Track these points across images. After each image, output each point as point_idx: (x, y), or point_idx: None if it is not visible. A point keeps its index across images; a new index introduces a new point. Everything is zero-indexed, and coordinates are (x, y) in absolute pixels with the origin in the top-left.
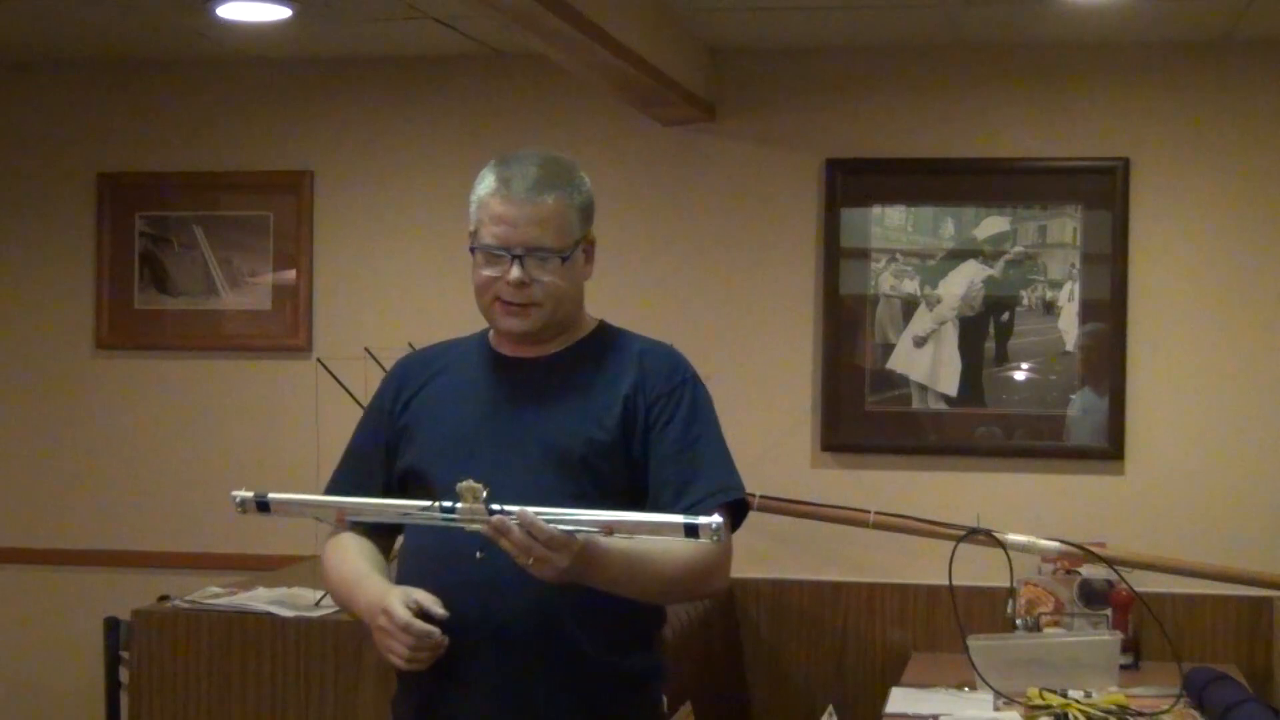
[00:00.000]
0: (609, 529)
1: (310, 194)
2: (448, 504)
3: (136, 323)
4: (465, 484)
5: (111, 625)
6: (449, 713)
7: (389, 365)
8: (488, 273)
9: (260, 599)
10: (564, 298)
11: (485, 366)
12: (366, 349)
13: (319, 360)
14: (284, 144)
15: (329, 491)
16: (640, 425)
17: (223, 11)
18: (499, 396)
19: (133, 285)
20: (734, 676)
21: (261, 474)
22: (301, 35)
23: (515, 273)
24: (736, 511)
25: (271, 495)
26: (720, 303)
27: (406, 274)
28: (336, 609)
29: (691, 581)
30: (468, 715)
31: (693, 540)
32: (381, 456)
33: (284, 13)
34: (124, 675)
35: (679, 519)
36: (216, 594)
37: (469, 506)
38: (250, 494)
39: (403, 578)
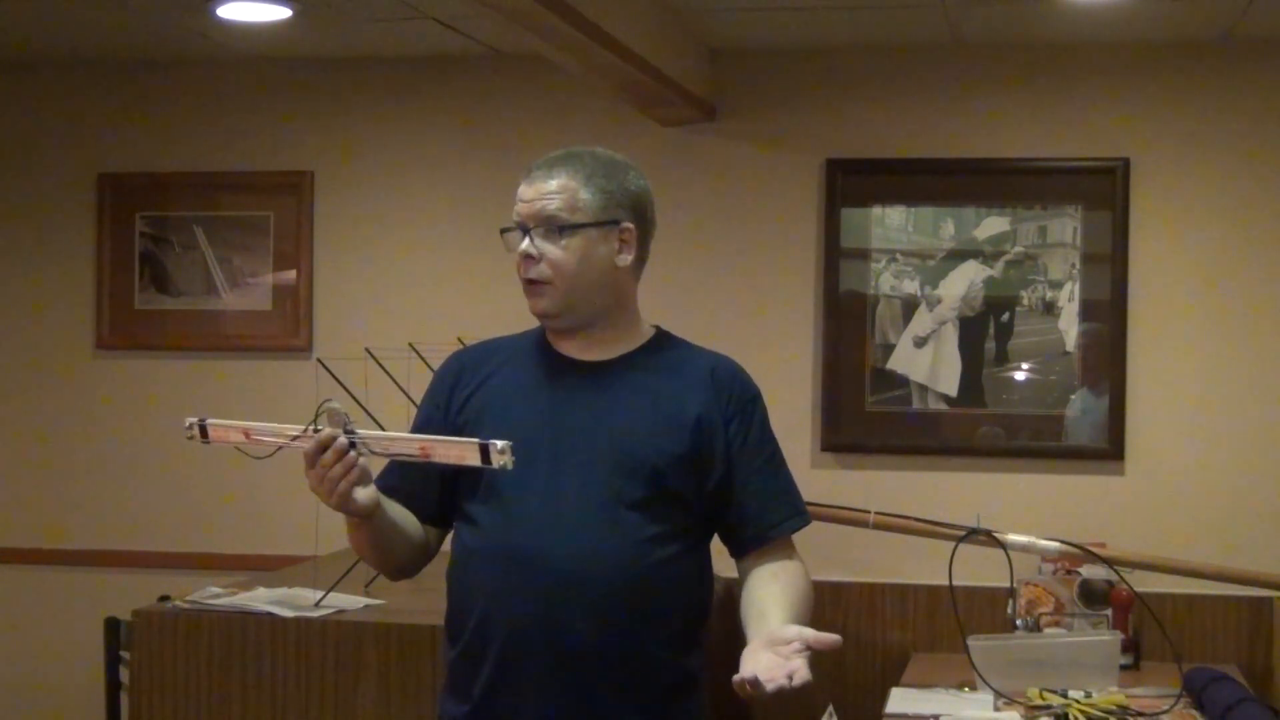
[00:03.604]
0: (425, 449)
1: (310, 194)
2: (316, 428)
3: (136, 323)
4: (328, 405)
5: (111, 625)
6: (505, 712)
7: (388, 365)
8: (513, 254)
9: (260, 599)
10: (577, 277)
11: (545, 367)
12: (366, 349)
13: (319, 360)
14: (284, 144)
15: (380, 484)
16: (721, 440)
17: (223, 11)
18: (561, 399)
19: (133, 285)
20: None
21: (262, 474)
22: (301, 35)
23: (523, 245)
24: None
25: (209, 420)
26: (720, 303)
27: (406, 274)
28: (336, 609)
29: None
30: (524, 715)
31: (799, 572)
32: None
33: (284, 13)
34: (124, 675)
35: (475, 441)
36: (216, 594)
37: (330, 431)
38: (196, 420)
39: (456, 579)
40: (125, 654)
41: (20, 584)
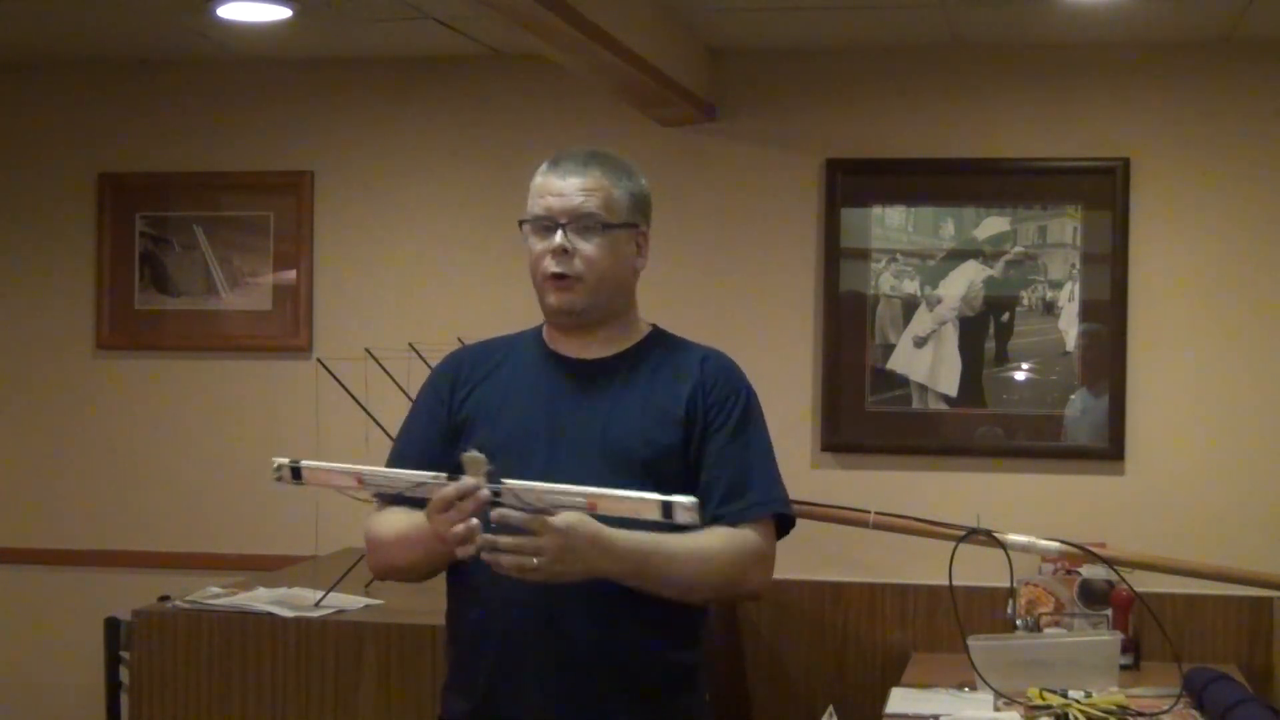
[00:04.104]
0: (591, 504)
1: (310, 194)
2: (455, 476)
3: (137, 323)
4: (469, 455)
5: (111, 625)
6: (507, 709)
7: (388, 365)
8: (539, 246)
9: (260, 599)
10: (607, 276)
11: (543, 366)
12: (367, 349)
13: (319, 360)
14: (284, 144)
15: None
16: (698, 428)
17: (223, 11)
18: (558, 397)
19: (133, 285)
20: (734, 676)
21: (261, 474)
22: (301, 35)
23: (558, 239)
24: (781, 524)
25: (304, 462)
26: (720, 303)
27: (406, 274)
28: (336, 609)
29: (721, 582)
30: (526, 711)
31: (727, 537)
32: (440, 448)
33: (284, 13)
34: (124, 675)
35: (656, 496)
36: (216, 594)
37: (474, 480)
38: (287, 460)
39: (456, 578)
40: (125, 654)
41: (20, 584)
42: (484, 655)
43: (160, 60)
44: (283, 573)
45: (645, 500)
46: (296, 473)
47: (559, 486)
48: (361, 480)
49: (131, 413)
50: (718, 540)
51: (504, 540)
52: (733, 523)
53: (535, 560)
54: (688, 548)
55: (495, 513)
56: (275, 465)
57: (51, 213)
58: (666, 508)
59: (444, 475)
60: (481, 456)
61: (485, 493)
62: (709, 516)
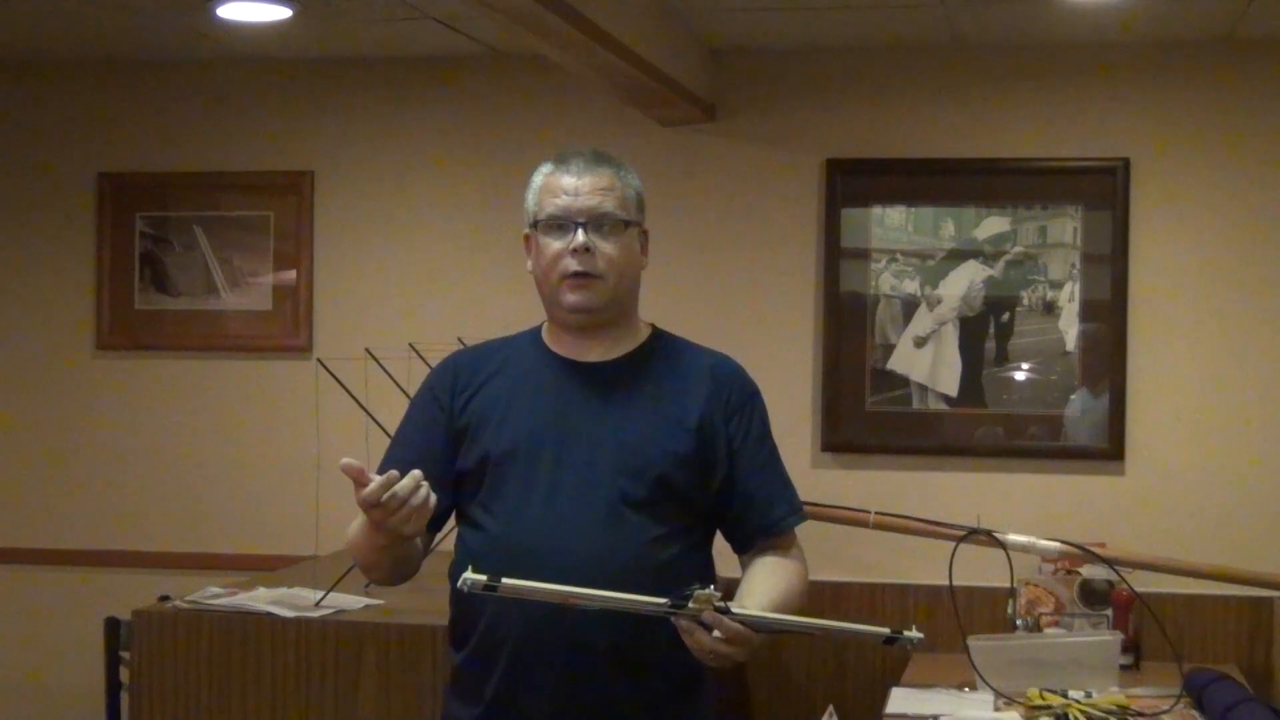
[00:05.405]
0: (822, 634)
1: (310, 194)
2: (679, 603)
3: (136, 323)
4: (702, 592)
5: (111, 625)
6: (517, 715)
7: (388, 365)
8: (557, 245)
9: (260, 599)
10: (625, 274)
11: (546, 369)
12: (367, 349)
13: (319, 360)
14: (284, 144)
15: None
16: (723, 438)
17: (223, 11)
18: (565, 401)
19: (133, 285)
20: (734, 676)
21: (262, 474)
22: (301, 35)
23: (581, 237)
24: None
25: (504, 580)
26: (720, 303)
27: (406, 274)
28: (336, 609)
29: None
30: (537, 717)
31: (798, 570)
32: (441, 453)
33: (284, 13)
34: (124, 675)
35: (884, 630)
36: (216, 594)
37: (699, 607)
38: (482, 578)
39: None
40: (125, 654)
41: (20, 584)
42: (494, 662)
43: (160, 60)
44: (283, 573)
45: (873, 633)
46: (492, 589)
47: (787, 618)
48: (568, 599)
49: (131, 413)
50: (796, 576)
51: (703, 638)
52: (776, 533)
53: (713, 658)
54: (790, 598)
55: (710, 616)
56: (468, 582)
57: (51, 213)
58: (891, 641)
59: (665, 600)
60: (716, 594)
61: (740, 627)
62: (755, 528)
